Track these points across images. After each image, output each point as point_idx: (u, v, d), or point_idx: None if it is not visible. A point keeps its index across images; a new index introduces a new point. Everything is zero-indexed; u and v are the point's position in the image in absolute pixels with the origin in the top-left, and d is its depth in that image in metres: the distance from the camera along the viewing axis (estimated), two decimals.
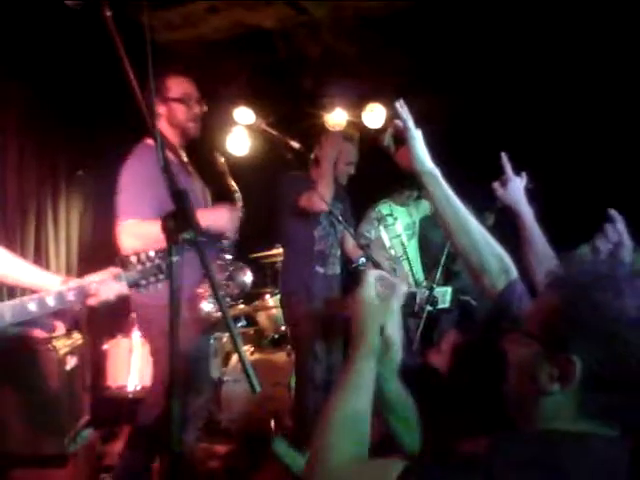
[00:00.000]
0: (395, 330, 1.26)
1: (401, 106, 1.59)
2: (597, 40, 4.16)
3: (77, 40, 3.85)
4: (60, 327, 3.30)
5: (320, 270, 3.62)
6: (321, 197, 3.16)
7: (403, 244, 4.14)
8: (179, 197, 1.47)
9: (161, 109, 2.71)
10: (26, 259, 3.92)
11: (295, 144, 2.71)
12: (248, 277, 2.88)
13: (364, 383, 1.19)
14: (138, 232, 2.46)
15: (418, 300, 3.40)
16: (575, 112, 4.60)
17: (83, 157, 4.71)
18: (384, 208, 4.30)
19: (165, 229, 1.46)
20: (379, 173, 4.57)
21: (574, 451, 1.00)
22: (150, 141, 2.67)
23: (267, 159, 4.89)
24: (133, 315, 4.70)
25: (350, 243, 3.82)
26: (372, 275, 1.31)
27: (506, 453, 1.01)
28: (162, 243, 2.44)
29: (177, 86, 2.73)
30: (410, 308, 3.36)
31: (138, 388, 4.24)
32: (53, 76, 4.10)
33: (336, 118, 5.66)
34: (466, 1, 4.22)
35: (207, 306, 2.60)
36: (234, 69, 5.21)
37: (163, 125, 2.73)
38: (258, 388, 1.35)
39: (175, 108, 2.72)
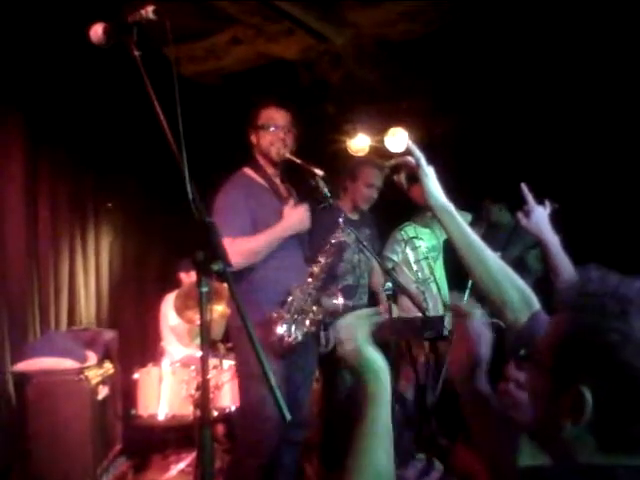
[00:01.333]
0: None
1: (413, 144, 1.61)
2: (617, 63, 4.17)
3: (106, 76, 3.96)
4: (92, 357, 3.34)
5: (348, 303, 3.64)
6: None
7: (430, 266, 4.12)
8: (207, 229, 1.49)
9: (253, 138, 2.86)
10: (60, 290, 4.05)
11: (319, 171, 2.74)
12: (339, 300, 2.80)
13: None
14: (238, 249, 2.57)
15: (446, 323, 3.38)
16: (593, 135, 4.59)
17: (113, 190, 4.81)
18: (409, 230, 4.29)
19: (194, 261, 1.49)
20: (399, 195, 4.61)
21: None
22: (248, 170, 2.85)
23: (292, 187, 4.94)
24: (162, 343, 4.76)
25: (375, 276, 3.79)
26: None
27: None
28: (261, 256, 2.63)
29: (264, 114, 2.85)
30: (439, 332, 3.34)
31: (169, 416, 4.25)
32: (84, 112, 4.22)
33: (359, 143, 5.70)
34: (484, 25, 4.25)
35: (281, 330, 2.60)
36: (257, 99, 5.29)
37: (258, 155, 2.87)
38: (288, 416, 1.36)
39: (261, 135, 2.83)
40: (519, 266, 5.00)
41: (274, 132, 2.80)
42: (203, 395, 1.47)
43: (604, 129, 4.55)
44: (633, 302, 0.96)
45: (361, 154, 5.65)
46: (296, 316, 2.63)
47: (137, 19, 1.62)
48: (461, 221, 1.51)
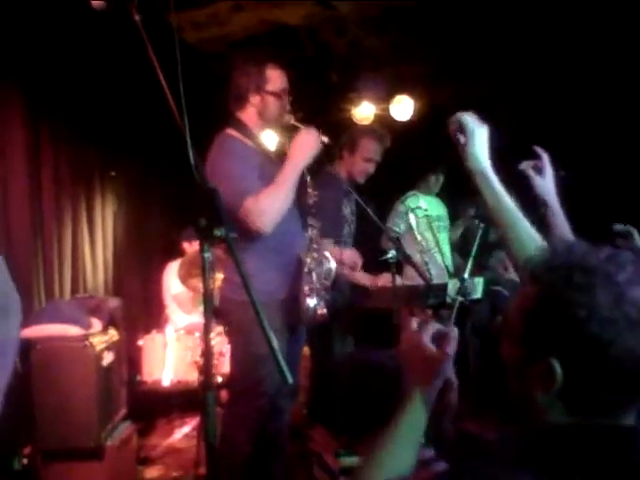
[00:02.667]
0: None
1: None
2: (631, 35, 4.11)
3: (106, 44, 3.92)
4: (96, 324, 3.36)
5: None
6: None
7: (435, 235, 4.08)
8: (209, 194, 1.49)
9: (254, 99, 2.63)
10: (64, 260, 4.07)
11: (325, 138, 2.63)
12: (331, 264, 2.68)
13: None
14: (262, 206, 2.44)
15: (449, 291, 3.39)
16: (600, 98, 4.55)
17: (115, 158, 4.80)
18: (412, 201, 4.26)
19: (197, 227, 1.49)
20: (401, 164, 4.59)
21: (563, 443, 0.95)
22: (232, 132, 2.62)
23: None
24: (167, 311, 4.80)
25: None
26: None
27: (502, 449, 1.00)
28: (289, 200, 2.50)
29: (276, 79, 2.64)
30: (442, 299, 3.35)
31: (173, 382, 4.31)
32: (84, 80, 4.18)
33: (364, 111, 5.66)
34: None
35: (311, 302, 2.52)
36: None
37: (251, 114, 2.64)
38: (290, 379, 1.38)
39: (270, 101, 2.63)
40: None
41: (284, 102, 2.64)
42: (206, 360, 1.49)
43: (611, 92, 4.50)
44: (598, 273, 0.95)
45: (366, 122, 5.63)
46: (319, 285, 2.55)
47: None
48: (498, 186, 1.51)
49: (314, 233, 2.63)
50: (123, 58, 4.11)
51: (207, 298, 1.50)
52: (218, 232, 1.46)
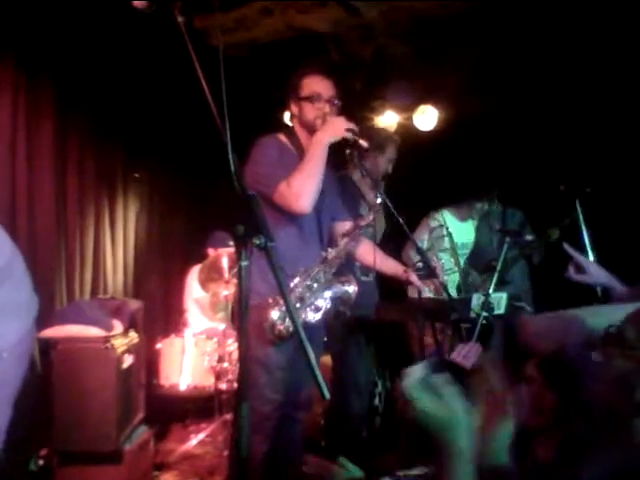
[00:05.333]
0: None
1: None
2: None
3: (139, 44, 3.93)
4: (117, 326, 3.35)
5: (365, 279, 3.61)
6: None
7: (457, 258, 4.05)
8: (249, 202, 1.47)
9: (294, 109, 2.70)
10: (85, 260, 4.07)
11: (364, 143, 2.61)
12: (352, 287, 2.63)
13: None
14: (295, 188, 2.48)
15: (473, 306, 3.35)
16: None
17: (139, 160, 4.80)
18: (441, 218, 4.21)
19: (234, 235, 1.46)
20: (448, 180, 4.54)
21: None
22: (281, 136, 2.72)
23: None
24: (186, 315, 4.79)
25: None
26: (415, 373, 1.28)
27: None
28: (319, 180, 2.50)
29: (309, 85, 2.66)
30: (465, 314, 3.32)
31: (190, 387, 4.29)
32: (115, 80, 4.20)
33: (387, 120, 5.64)
34: (522, 3, 4.15)
35: (275, 315, 2.45)
36: (285, 73, 5.24)
37: (296, 125, 2.72)
38: (327, 395, 1.35)
39: (304, 107, 2.66)
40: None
41: (321, 106, 2.63)
42: (242, 369, 1.46)
43: None
44: None
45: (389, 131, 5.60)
46: (295, 303, 2.48)
47: None
48: None
49: (332, 254, 2.61)
50: (155, 60, 4.13)
51: (244, 304, 1.47)
52: (257, 241, 1.44)
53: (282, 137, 2.71)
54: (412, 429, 1.23)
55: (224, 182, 1.52)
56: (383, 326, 3.77)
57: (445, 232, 4.05)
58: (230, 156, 1.49)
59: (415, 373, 1.26)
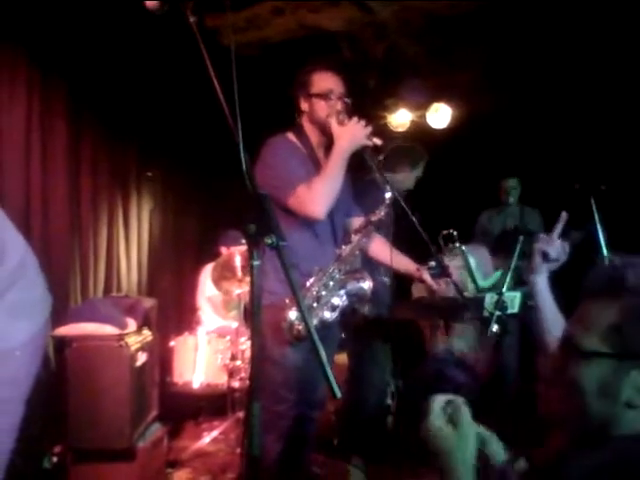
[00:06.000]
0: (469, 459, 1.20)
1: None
2: None
3: (151, 44, 3.94)
4: (131, 324, 3.37)
5: (385, 280, 3.60)
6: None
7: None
8: (260, 201, 1.47)
9: (304, 106, 2.64)
10: (99, 258, 4.10)
11: (377, 140, 2.58)
12: (367, 284, 2.60)
13: None
14: (314, 193, 2.45)
15: (487, 305, 3.33)
16: None
17: (152, 159, 4.83)
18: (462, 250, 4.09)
19: (246, 234, 1.46)
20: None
21: None
22: (291, 135, 2.66)
23: None
24: (199, 313, 4.81)
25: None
26: (437, 404, 1.28)
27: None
28: (338, 186, 2.49)
29: (320, 81, 2.61)
30: (479, 313, 3.30)
31: (203, 385, 4.31)
32: (127, 80, 4.21)
33: (400, 118, 5.63)
34: (533, 1, 4.13)
35: (292, 316, 2.42)
36: (297, 72, 5.24)
37: (305, 122, 2.66)
38: (339, 394, 1.35)
39: (315, 104, 2.60)
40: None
41: (332, 102, 2.59)
42: (253, 369, 1.46)
43: None
44: None
45: (401, 129, 5.59)
46: (311, 302, 2.47)
47: None
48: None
49: (347, 251, 2.59)
50: (167, 59, 4.14)
51: (256, 303, 1.48)
52: (269, 240, 1.44)
53: (291, 136, 2.67)
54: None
55: (237, 180, 1.51)
56: (397, 325, 3.76)
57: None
58: (242, 155, 1.49)
59: (436, 406, 1.27)
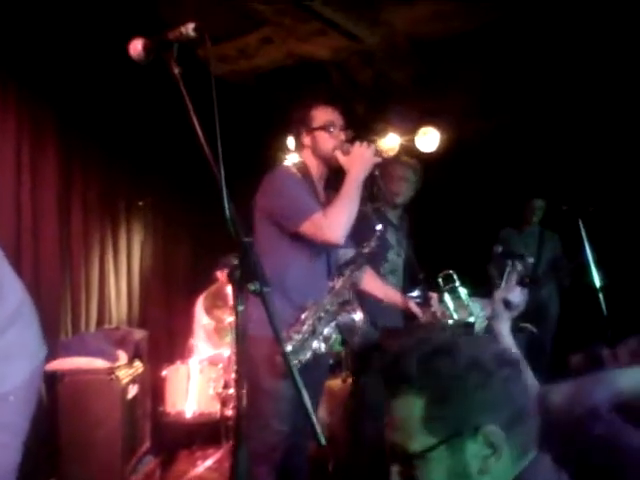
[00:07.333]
0: None
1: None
2: None
3: (141, 76, 3.97)
4: (122, 356, 3.38)
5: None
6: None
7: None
8: (244, 249, 1.49)
9: (306, 140, 2.66)
10: (91, 289, 4.10)
11: (386, 154, 2.64)
12: (358, 316, 2.61)
13: None
14: (331, 220, 2.48)
15: (476, 330, 3.35)
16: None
17: (143, 188, 4.85)
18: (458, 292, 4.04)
19: (231, 279, 1.49)
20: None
21: None
22: (293, 168, 2.68)
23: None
24: (191, 341, 4.80)
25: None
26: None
27: None
28: (354, 214, 2.53)
29: (321, 115, 2.65)
30: None
31: (196, 414, 4.30)
32: (117, 109, 4.24)
33: (389, 142, 5.67)
34: (519, 27, 4.20)
35: (287, 349, 2.34)
36: (288, 99, 5.29)
37: (307, 156, 2.68)
38: (323, 441, 1.37)
39: (318, 137, 2.62)
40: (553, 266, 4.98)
41: (335, 134, 2.61)
42: (237, 403, 1.48)
43: None
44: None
45: (391, 153, 5.63)
46: (306, 336, 2.49)
47: (177, 36, 1.61)
48: None
49: (339, 283, 2.61)
50: (157, 89, 4.16)
51: (241, 345, 1.50)
52: (252, 287, 1.46)
53: (293, 168, 2.69)
54: None
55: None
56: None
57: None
58: (225, 202, 1.50)
59: None
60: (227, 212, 1.51)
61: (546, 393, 1.54)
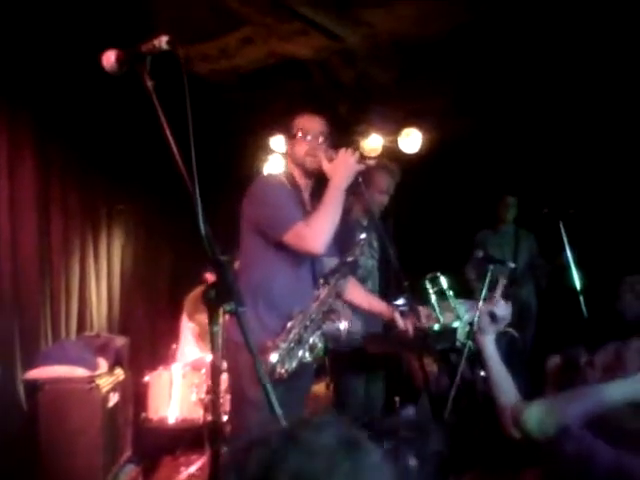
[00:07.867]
0: None
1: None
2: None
3: (112, 81, 3.92)
4: (102, 364, 3.34)
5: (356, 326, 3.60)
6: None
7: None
8: (220, 268, 1.47)
9: (288, 148, 2.72)
10: (71, 296, 4.05)
11: (369, 161, 2.63)
12: (343, 324, 2.60)
13: None
14: (314, 230, 2.48)
15: (459, 335, 3.36)
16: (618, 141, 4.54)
17: (123, 192, 4.79)
18: (439, 282, 3.98)
19: (206, 299, 1.47)
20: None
21: None
22: (280, 176, 2.71)
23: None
24: (173, 346, 4.76)
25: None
26: None
27: None
28: (337, 221, 2.52)
29: (299, 123, 2.68)
30: (451, 343, 3.32)
31: (179, 420, 4.27)
32: (95, 114, 4.19)
33: (372, 143, 5.66)
34: (501, 26, 4.19)
35: (274, 359, 2.43)
36: (270, 98, 5.26)
37: (290, 164, 2.71)
38: None
39: (294, 144, 2.66)
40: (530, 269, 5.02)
41: (310, 141, 2.62)
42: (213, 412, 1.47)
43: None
44: None
45: (374, 154, 5.62)
46: (292, 345, 2.48)
47: (150, 49, 1.59)
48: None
49: (325, 292, 2.61)
50: (135, 94, 4.12)
51: (215, 371, 1.48)
52: (227, 307, 1.45)
53: (281, 177, 2.70)
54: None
55: (209, 213, 1.53)
56: (377, 358, 3.73)
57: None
58: (200, 221, 1.49)
59: None
60: (202, 231, 1.49)
61: (521, 410, 1.54)
